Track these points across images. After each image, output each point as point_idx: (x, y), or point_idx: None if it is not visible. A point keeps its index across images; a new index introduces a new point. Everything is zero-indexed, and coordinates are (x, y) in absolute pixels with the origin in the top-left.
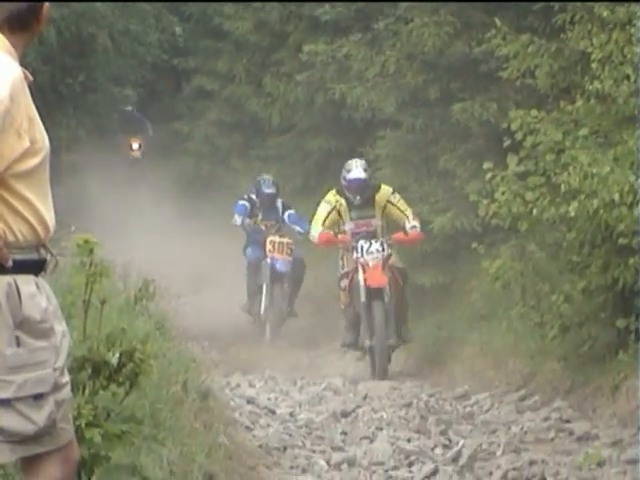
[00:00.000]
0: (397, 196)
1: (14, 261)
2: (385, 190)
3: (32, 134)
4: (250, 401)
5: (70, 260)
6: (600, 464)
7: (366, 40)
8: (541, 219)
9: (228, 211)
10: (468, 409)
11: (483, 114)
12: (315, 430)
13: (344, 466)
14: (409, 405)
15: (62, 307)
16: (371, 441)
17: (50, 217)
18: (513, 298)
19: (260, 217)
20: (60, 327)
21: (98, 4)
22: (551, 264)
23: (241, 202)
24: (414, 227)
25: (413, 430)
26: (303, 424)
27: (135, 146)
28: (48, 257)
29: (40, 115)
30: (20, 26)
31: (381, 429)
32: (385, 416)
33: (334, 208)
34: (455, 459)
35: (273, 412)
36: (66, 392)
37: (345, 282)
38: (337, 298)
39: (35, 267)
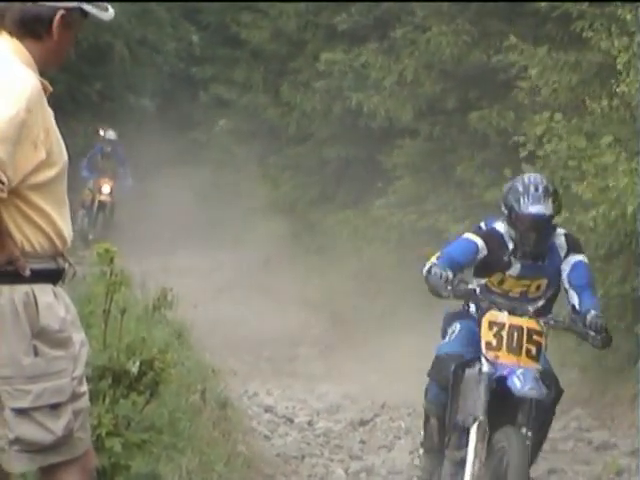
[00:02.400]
0: None
1: (32, 270)
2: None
3: (49, 146)
4: (268, 410)
5: (88, 269)
6: (619, 473)
7: (383, 49)
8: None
9: (246, 220)
10: None
11: (500, 123)
12: (333, 439)
13: (362, 475)
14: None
15: (81, 316)
16: (389, 450)
17: (67, 228)
18: None
19: None
20: (78, 336)
21: (116, 13)
22: None
23: None
24: None
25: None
26: (321, 433)
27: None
28: (66, 266)
29: (57, 123)
30: (28, 34)
31: (399, 438)
32: (403, 425)
33: None
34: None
35: (291, 421)
36: (84, 401)
37: None
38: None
39: (53, 276)
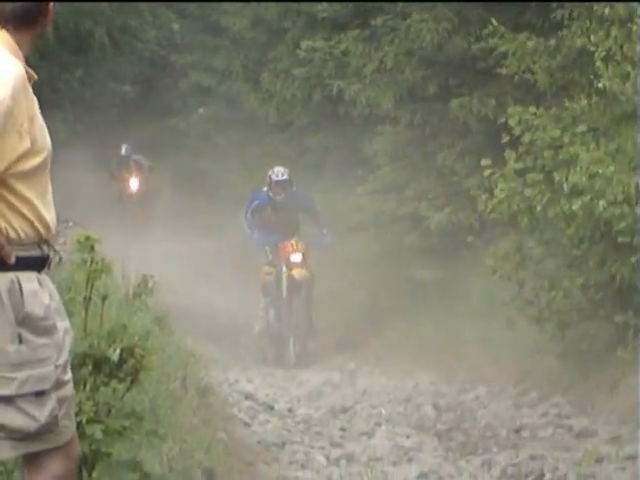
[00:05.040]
0: None
1: (16, 258)
2: None
3: (33, 134)
4: (248, 397)
5: (68, 256)
6: (599, 460)
7: (364, 36)
8: (543, 216)
9: (225, 208)
10: (467, 405)
11: (481, 110)
12: (314, 426)
13: (343, 462)
14: (408, 401)
15: (62, 303)
16: (370, 437)
17: (51, 216)
18: (511, 294)
19: None
20: (63, 324)
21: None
22: (549, 260)
23: None
24: None
25: (412, 426)
26: (301, 420)
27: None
28: (51, 254)
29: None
30: (26, 24)
31: (380, 425)
32: (384, 412)
33: None
34: (453, 454)
35: (272, 408)
36: (68, 389)
37: None
38: None
39: (37, 264)
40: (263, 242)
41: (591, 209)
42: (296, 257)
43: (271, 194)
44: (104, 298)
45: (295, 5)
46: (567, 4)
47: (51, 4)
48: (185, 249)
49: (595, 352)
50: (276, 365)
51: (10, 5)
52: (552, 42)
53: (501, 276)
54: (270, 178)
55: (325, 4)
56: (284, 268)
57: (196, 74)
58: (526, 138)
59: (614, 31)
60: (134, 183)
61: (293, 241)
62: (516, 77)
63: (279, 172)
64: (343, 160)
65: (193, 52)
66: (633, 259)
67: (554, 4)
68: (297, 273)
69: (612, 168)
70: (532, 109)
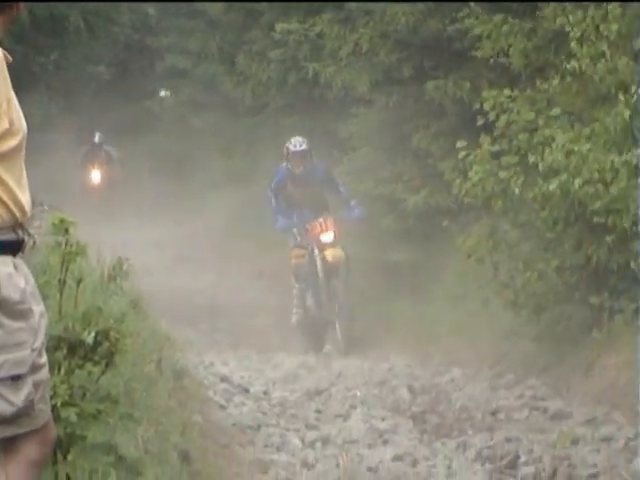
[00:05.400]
0: None
1: None
2: None
3: (10, 115)
4: (224, 379)
5: (43, 239)
6: (574, 442)
7: (339, 19)
8: (517, 198)
9: (202, 191)
10: (442, 387)
11: (456, 92)
12: (289, 408)
13: (318, 444)
14: (383, 383)
15: (37, 287)
16: (345, 419)
17: (26, 199)
18: (486, 277)
19: None
20: (38, 307)
21: None
22: (524, 243)
23: None
24: None
25: (387, 409)
26: (277, 402)
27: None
28: (26, 238)
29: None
30: None
31: (355, 407)
32: (359, 394)
33: None
34: (428, 436)
35: (247, 390)
36: (44, 373)
37: None
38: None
39: (12, 248)
40: (290, 225)
41: (567, 188)
42: (327, 237)
43: (290, 167)
44: (79, 281)
45: None
46: None
47: None
48: (161, 233)
49: (570, 334)
50: (318, 355)
51: None
52: (528, 24)
53: (476, 259)
54: (287, 149)
55: None
56: (316, 250)
57: (171, 57)
58: (501, 121)
59: (591, 11)
60: (96, 176)
61: (321, 219)
62: (491, 59)
63: (297, 142)
64: (318, 142)
65: (168, 35)
66: (608, 239)
67: None
68: (330, 254)
69: (588, 146)
70: (507, 92)
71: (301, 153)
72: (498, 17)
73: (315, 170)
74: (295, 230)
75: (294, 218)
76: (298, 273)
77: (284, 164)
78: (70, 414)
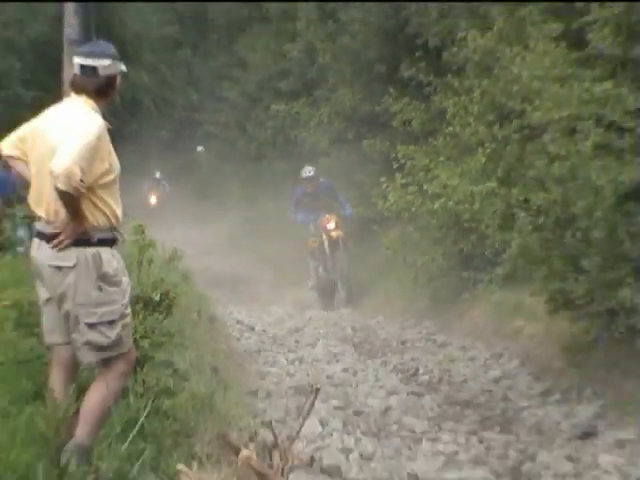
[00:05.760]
0: None
1: (98, 239)
2: None
3: (110, 160)
4: (239, 322)
5: (127, 238)
6: (452, 360)
7: (309, 102)
8: (418, 212)
9: (225, 207)
10: (372, 327)
11: (381, 148)
12: (279, 340)
13: (296, 362)
14: (336, 324)
15: (125, 266)
16: (313, 347)
17: (119, 212)
18: (399, 262)
19: None
20: (125, 279)
21: (145, 78)
22: (422, 240)
23: None
24: None
25: (338, 340)
26: (271, 336)
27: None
28: (118, 236)
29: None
30: (102, 95)
31: (319, 339)
32: (322, 331)
33: None
34: (363, 356)
35: (252, 329)
36: (129, 318)
37: None
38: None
39: (110, 242)
40: (306, 220)
41: (446, 206)
42: (331, 224)
43: (303, 187)
44: (150, 262)
45: (267, 82)
46: (433, 82)
47: (117, 83)
48: (197, 234)
49: (450, 295)
50: (327, 310)
51: (92, 82)
52: (424, 104)
53: (393, 251)
54: (301, 175)
55: (285, 82)
56: (324, 235)
57: (207, 126)
58: (408, 165)
59: (462, 98)
60: (154, 199)
61: (327, 215)
62: (401, 127)
63: (307, 170)
64: (298, 180)
65: (205, 112)
66: (473, 237)
67: (425, 82)
68: (333, 234)
69: (457, 181)
70: (412, 147)
71: (310, 178)
72: (406, 99)
73: (321, 187)
74: (311, 225)
75: (310, 215)
76: (313, 253)
77: (300, 186)
78: (145, 343)
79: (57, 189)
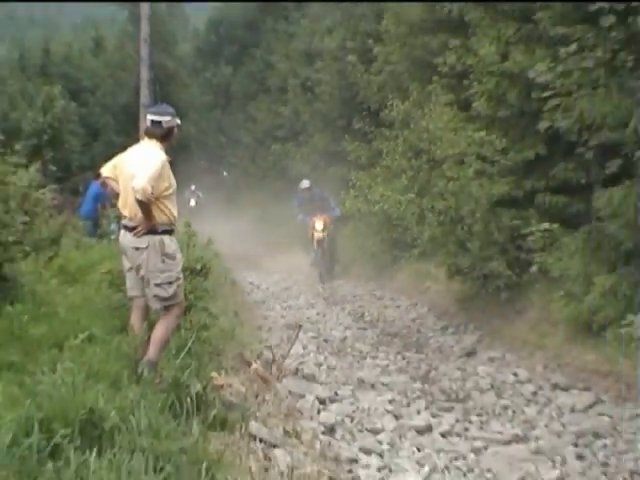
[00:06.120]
0: None
1: (162, 230)
2: None
3: (170, 181)
4: (251, 283)
5: (180, 229)
6: (386, 307)
7: (296, 144)
8: (365, 213)
9: (243, 209)
10: (336, 287)
11: (342, 173)
12: (275, 294)
13: (287, 309)
14: (313, 285)
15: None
16: (297, 298)
17: (175, 213)
18: (355, 246)
19: None
20: (179, 255)
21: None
22: (367, 232)
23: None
24: None
25: (314, 295)
26: (271, 292)
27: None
28: (175, 228)
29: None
30: (165, 139)
31: (303, 293)
32: (304, 288)
33: None
34: (330, 305)
35: (259, 287)
36: (181, 281)
37: None
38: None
39: (170, 232)
40: (306, 220)
41: (382, 210)
42: (318, 225)
43: (302, 195)
44: (194, 246)
45: (268, 131)
46: (366, 125)
47: (174, 131)
48: (223, 227)
49: (384, 264)
50: (320, 280)
51: (158, 131)
52: (368, 146)
53: (350, 239)
54: (300, 187)
55: (282, 132)
56: (312, 233)
57: (230, 158)
58: (357, 184)
59: (391, 143)
60: (193, 203)
61: (316, 218)
62: (354, 161)
63: (303, 183)
64: (296, 190)
65: (229, 149)
66: (399, 230)
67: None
68: (319, 234)
69: (389, 193)
70: (361, 173)
71: (306, 189)
72: (357, 143)
73: (315, 195)
74: (308, 222)
75: (307, 217)
76: (313, 242)
77: (299, 195)
78: (191, 296)
79: (137, 199)
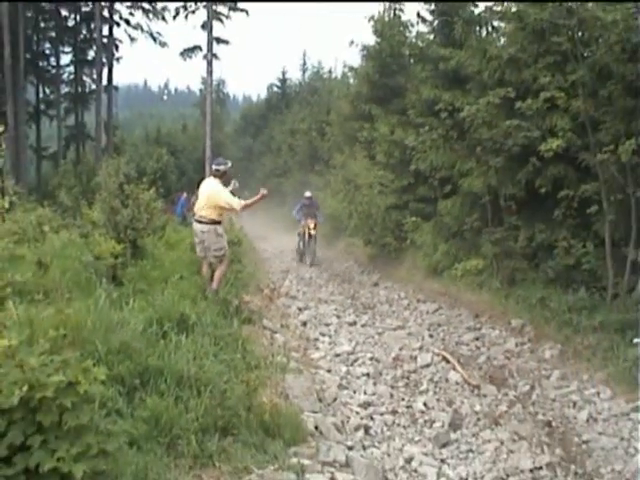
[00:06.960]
0: None
1: (219, 221)
2: None
3: (227, 200)
4: (264, 251)
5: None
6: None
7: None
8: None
9: (272, 210)
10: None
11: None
12: (278, 255)
13: (283, 263)
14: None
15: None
16: (287, 257)
17: (226, 215)
18: (319, 231)
19: None
20: (226, 236)
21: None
22: (324, 223)
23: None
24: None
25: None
26: (277, 253)
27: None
28: (223, 220)
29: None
30: (222, 177)
31: (292, 260)
32: (289, 257)
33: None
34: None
35: (267, 251)
36: (227, 246)
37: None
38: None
39: (220, 222)
40: (300, 219)
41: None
42: (311, 225)
43: (303, 202)
44: (230, 231)
45: (286, 161)
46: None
47: (228, 171)
48: (252, 220)
49: (331, 239)
50: (301, 264)
51: (219, 174)
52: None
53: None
54: (304, 195)
55: (295, 162)
56: (306, 231)
57: (259, 173)
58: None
59: (332, 177)
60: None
61: (310, 220)
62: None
63: (306, 193)
64: (299, 197)
65: (257, 176)
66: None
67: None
68: (311, 232)
69: (335, 202)
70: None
71: (307, 198)
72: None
73: (312, 203)
74: (302, 222)
75: (303, 217)
76: (300, 235)
77: (300, 201)
78: (232, 256)
79: (223, 209)
